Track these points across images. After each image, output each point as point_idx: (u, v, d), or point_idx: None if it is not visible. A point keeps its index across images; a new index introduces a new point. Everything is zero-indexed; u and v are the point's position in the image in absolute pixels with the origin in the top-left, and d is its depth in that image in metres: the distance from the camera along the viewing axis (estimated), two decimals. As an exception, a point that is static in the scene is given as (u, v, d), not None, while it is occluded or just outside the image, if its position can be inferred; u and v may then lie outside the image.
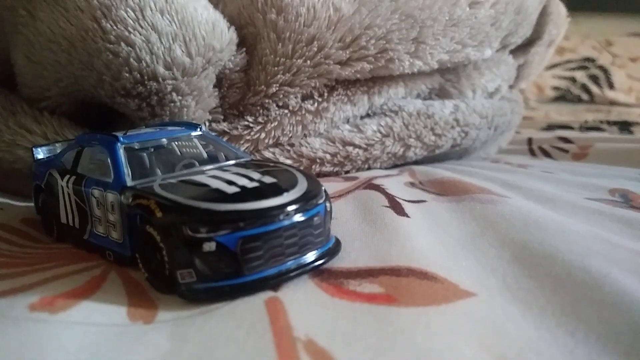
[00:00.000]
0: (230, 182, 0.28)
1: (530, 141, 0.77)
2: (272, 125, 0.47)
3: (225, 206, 0.26)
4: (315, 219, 0.28)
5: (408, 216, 0.36)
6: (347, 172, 0.52)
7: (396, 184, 0.46)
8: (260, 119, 0.47)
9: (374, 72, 0.49)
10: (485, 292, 0.25)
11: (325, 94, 0.49)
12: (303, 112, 0.48)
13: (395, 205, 0.38)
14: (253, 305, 0.25)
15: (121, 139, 0.31)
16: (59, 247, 0.34)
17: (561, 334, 0.22)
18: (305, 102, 0.48)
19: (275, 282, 0.26)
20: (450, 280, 0.27)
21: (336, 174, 0.51)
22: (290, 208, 0.27)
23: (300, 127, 0.48)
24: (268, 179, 0.28)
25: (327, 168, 0.50)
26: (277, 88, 0.46)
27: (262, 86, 0.46)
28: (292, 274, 0.27)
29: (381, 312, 0.24)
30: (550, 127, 0.92)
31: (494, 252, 0.30)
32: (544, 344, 0.21)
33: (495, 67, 0.60)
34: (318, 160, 0.50)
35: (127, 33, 0.38)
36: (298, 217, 0.27)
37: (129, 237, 0.28)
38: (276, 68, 0.45)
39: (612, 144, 0.67)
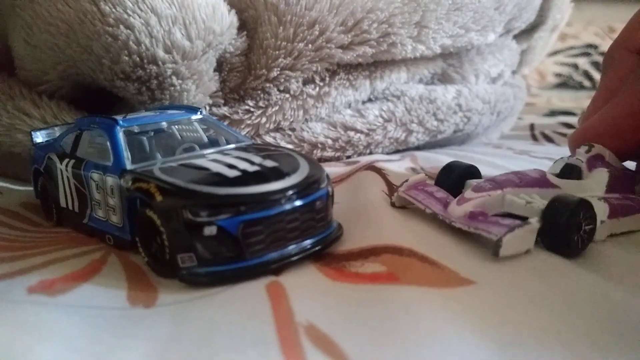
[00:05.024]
0: (231, 166, 0.27)
1: (532, 127, 0.77)
2: (273, 109, 0.46)
3: (227, 190, 0.25)
4: (317, 203, 0.28)
5: (406, 207, 0.36)
6: (348, 157, 0.52)
7: (397, 168, 0.46)
8: (261, 103, 0.46)
9: (376, 56, 0.49)
10: (485, 281, 0.25)
11: (327, 79, 0.48)
12: (304, 96, 0.48)
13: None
14: (254, 290, 0.25)
15: (120, 122, 0.31)
16: (59, 231, 0.34)
17: (563, 326, 0.22)
18: (307, 86, 0.48)
19: (276, 267, 0.26)
20: (451, 267, 0.26)
21: (337, 159, 0.51)
22: (292, 192, 0.26)
23: (301, 112, 0.48)
24: (269, 163, 0.28)
25: (329, 153, 0.50)
26: (278, 72, 0.45)
27: (263, 70, 0.45)
28: (293, 259, 0.27)
29: (384, 291, 0.24)
30: (552, 113, 0.91)
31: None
32: (545, 333, 0.21)
33: (498, 52, 0.60)
34: (319, 145, 0.49)
35: (126, 16, 0.37)
36: (299, 202, 0.27)
37: (128, 221, 0.28)
38: (277, 52, 0.45)
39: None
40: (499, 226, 0.27)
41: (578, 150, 0.35)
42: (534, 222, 0.27)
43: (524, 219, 0.28)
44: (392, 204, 0.35)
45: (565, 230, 0.27)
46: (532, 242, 0.27)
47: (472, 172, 0.35)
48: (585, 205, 0.28)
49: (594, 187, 0.33)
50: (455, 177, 0.35)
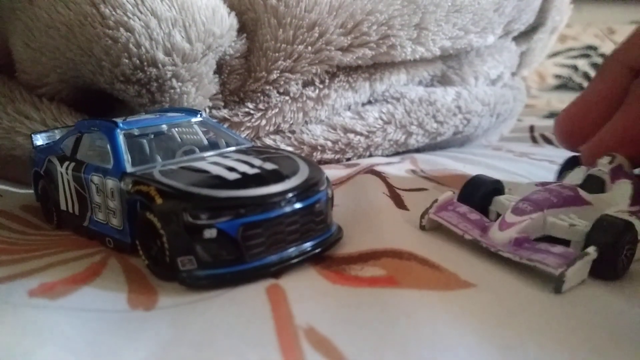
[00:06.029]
0: (231, 169, 0.28)
1: (532, 129, 0.77)
2: (273, 112, 0.47)
3: (226, 192, 0.25)
4: (317, 205, 0.28)
5: (407, 209, 0.36)
6: (348, 159, 0.52)
7: (397, 171, 0.46)
8: (261, 106, 0.46)
9: (376, 58, 0.49)
10: (485, 284, 0.25)
11: (327, 81, 0.48)
12: (304, 98, 0.48)
13: (395, 197, 0.38)
14: (254, 293, 0.25)
15: (121, 125, 0.31)
16: (59, 234, 0.34)
17: (563, 330, 0.22)
18: (306, 88, 0.48)
19: (276, 269, 0.26)
20: (451, 270, 0.26)
21: (337, 161, 0.51)
22: (292, 195, 0.26)
23: (301, 114, 0.48)
24: (269, 166, 0.28)
25: (329, 155, 0.50)
26: (278, 74, 0.45)
27: (263, 72, 0.45)
28: (293, 261, 0.27)
29: (383, 295, 0.24)
30: (552, 115, 0.91)
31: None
32: (545, 337, 0.21)
33: (497, 54, 0.60)
34: (319, 148, 0.49)
35: (126, 18, 0.37)
36: (299, 204, 0.27)
37: (129, 224, 0.28)
38: (277, 54, 0.45)
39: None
40: (554, 257, 0.26)
41: (600, 161, 0.34)
42: (592, 252, 0.26)
43: (564, 242, 0.27)
44: (422, 227, 0.32)
45: (613, 254, 0.26)
46: (587, 272, 0.26)
47: (498, 187, 0.34)
48: (630, 227, 0.27)
49: (618, 200, 0.32)
50: (482, 195, 0.33)
